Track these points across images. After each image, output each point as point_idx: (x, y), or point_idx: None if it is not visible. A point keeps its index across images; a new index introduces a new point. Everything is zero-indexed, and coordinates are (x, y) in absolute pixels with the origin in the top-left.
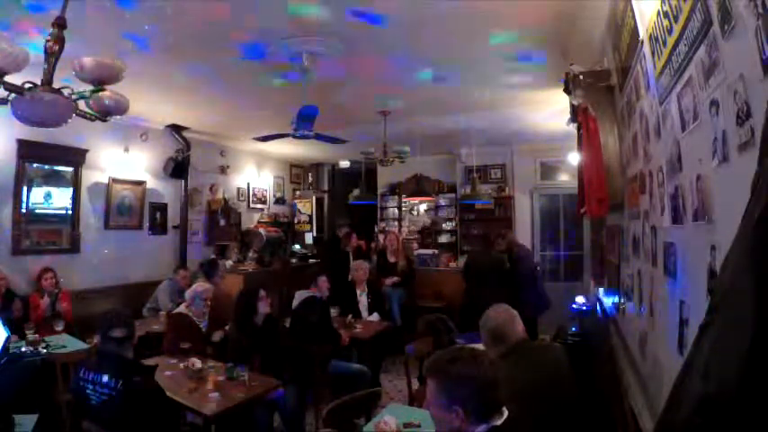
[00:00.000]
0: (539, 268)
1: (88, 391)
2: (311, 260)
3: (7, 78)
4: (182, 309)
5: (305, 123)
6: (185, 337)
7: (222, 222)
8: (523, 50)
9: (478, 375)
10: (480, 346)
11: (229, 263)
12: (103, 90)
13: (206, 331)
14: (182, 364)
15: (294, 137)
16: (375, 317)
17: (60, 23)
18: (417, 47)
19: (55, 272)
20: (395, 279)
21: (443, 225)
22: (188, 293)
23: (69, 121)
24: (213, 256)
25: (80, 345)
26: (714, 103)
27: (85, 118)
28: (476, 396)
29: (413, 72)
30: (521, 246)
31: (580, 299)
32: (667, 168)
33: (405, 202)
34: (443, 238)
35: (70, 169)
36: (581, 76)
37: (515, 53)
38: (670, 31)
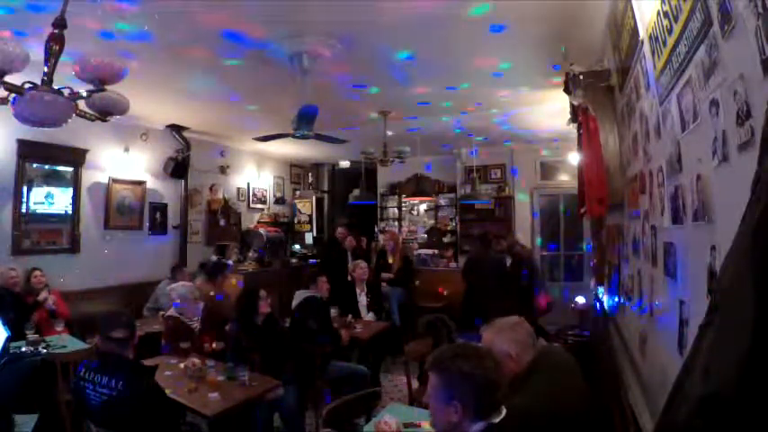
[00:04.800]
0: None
1: (88, 392)
2: (311, 260)
3: (7, 78)
4: (171, 312)
5: (305, 123)
6: (181, 339)
7: (222, 222)
8: (523, 50)
9: (480, 373)
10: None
11: (229, 263)
12: (104, 90)
13: (199, 329)
14: (182, 364)
15: (294, 137)
16: (370, 316)
17: (60, 23)
18: (418, 47)
19: (42, 270)
20: (390, 276)
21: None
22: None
23: (69, 121)
24: (217, 258)
25: (80, 345)
26: (714, 103)
27: (85, 118)
28: (475, 393)
29: (413, 72)
30: (523, 246)
31: (580, 299)
32: (667, 168)
33: (405, 203)
34: (443, 238)
35: (70, 169)
36: (581, 76)
37: (516, 53)
38: (670, 31)
